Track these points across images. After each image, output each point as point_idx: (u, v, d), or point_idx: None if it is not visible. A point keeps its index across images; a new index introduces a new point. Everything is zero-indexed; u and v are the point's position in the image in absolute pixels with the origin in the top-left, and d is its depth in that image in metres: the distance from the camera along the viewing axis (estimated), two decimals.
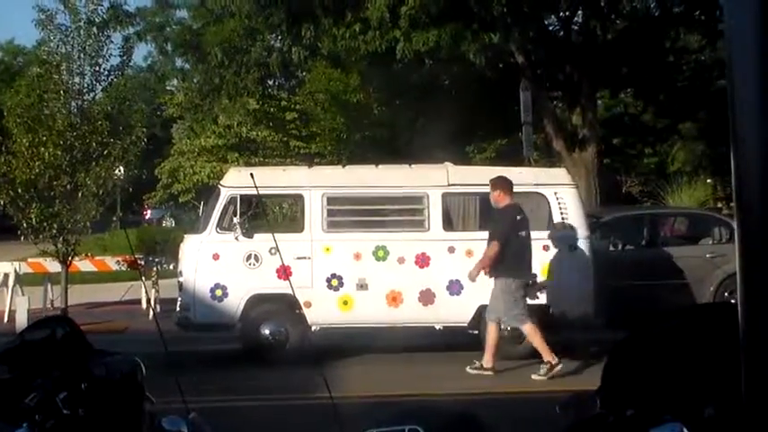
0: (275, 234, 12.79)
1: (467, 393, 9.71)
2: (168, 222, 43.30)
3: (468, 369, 11.22)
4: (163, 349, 5.08)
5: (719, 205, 25.52)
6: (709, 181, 28.04)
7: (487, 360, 11.25)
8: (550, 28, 25.08)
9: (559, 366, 11.00)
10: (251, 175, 9.97)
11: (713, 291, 14.30)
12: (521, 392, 10.25)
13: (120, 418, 4.65)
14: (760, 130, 1.24)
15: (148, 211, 49.66)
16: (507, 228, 11.30)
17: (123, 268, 17.18)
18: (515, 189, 11.86)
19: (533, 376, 11.03)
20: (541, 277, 12.17)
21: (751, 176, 1.25)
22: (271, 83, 26.15)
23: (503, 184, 11.52)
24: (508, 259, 11.25)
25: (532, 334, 11.24)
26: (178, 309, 12.47)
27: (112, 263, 16.99)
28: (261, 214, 19.09)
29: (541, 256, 12.18)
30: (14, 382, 4.31)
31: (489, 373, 11.19)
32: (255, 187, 7.85)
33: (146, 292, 15.67)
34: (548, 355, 11.09)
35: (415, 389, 10.31)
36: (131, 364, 4.79)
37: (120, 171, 16.50)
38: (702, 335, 2.84)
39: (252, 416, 9.25)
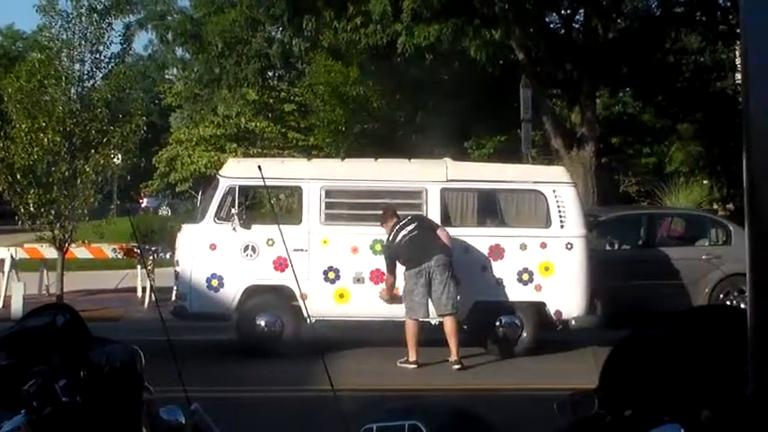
0: (275, 225, 12.77)
1: (467, 389, 9.75)
2: (165, 211, 43.29)
3: (398, 363, 11.45)
4: (160, 338, 5.10)
5: (715, 206, 25.53)
6: (705, 182, 28.05)
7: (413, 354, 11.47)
8: (551, 26, 25.08)
9: (413, 367, 11.25)
10: (258, 167, 10.13)
11: (708, 292, 14.35)
12: (519, 389, 10.28)
13: (118, 407, 4.66)
14: None
15: (145, 200, 49.64)
16: (386, 253, 11.76)
17: (120, 256, 17.19)
18: (513, 186, 12.06)
19: (398, 362, 11.35)
20: (539, 275, 12.21)
21: (765, 177, 1.25)
22: (271, 74, 26.18)
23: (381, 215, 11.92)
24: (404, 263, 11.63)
25: (407, 328, 11.48)
26: (174, 298, 12.48)
27: (109, 250, 16.98)
28: (258, 205, 19.12)
29: (539, 254, 12.23)
30: (13, 368, 4.32)
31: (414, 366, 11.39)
32: (262, 178, 7.88)
33: (149, 279, 15.67)
34: (412, 353, 11.35)
35: (410, 383, 10.35)
36: (131, 352, 4.80)
37: (118, 159, 16.48)
38: (702, 338, 2.86)
39: (252, 407, 9.27)
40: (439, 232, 11.70)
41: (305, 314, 12.00)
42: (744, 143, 1.27)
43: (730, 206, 25.40)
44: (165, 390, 4.65)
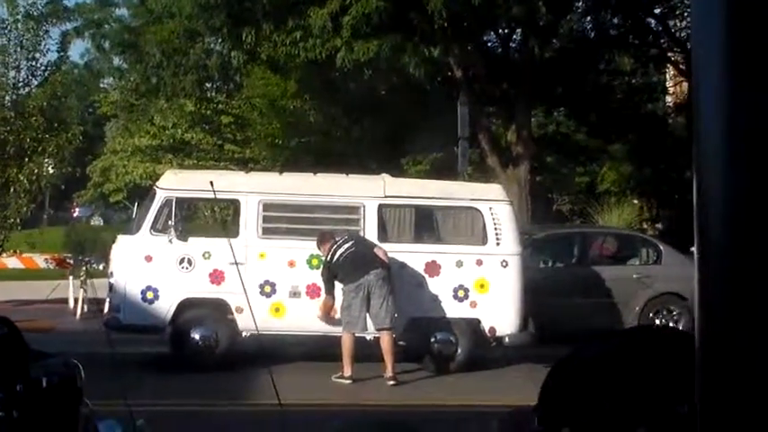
0: (212, 238, 12.73)
1: (402, 404, 9.79)
2: (97, 221, 42.73)
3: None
4: (94, 350, 5.06)
5: (645, 226, 26.00)
6: (635, 202, 28.56)
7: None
8: (489, 44, 25.39)
9: (348, 382, 11.34)
10: (210, 182, 10.13)
11: (639, 311, 14.62)
12: (455, 405, 10.35)
13: (55, 422, 4.62)
14: (724, 151, 1.30)
15: (77, 209, 48.92)
16: (325, 274, 11.81)
17: (51, 266, 16.95)
18: (450, 203, 12.27)
19: (333, 377, 11.41)
20: (474, 292, 12.33)
21: (713, 197, 1.31)
22: (208, 85, 26.02)
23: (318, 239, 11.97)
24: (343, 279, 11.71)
25: (343, 342, 11.53)
26: (107, 309, 12.35)
27: (41, 260, 16.74)
28: (192, 217, 18.99)
29: (475, 271, 12.35)
30: None
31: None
32: (213, 191, 7.87)
33: (82, 290, 15.48)
34: (347, 368, 11.41)
35: (345, 398, 10.37)
36: (71, 366, 4.76)
37: (51, 168, 16.27)
38: (639, 357, 2.94)
39: (197, 421, 9.21)
40: (375, 250, 11.77)
41: (240, 327, 12.00)
42: (693, 163, 1.33)
43: (659, 226, 25.91)
44: (105, 404, 4.63)
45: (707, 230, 1.30)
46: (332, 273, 11.73)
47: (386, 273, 11.61)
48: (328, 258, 11.71)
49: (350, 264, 11.58)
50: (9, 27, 16.04)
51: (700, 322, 1.33)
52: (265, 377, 10.15)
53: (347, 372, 11.46)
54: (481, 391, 11.14)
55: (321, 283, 11.97)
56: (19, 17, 16.07)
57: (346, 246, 11.64)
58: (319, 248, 11.88)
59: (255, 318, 11.81)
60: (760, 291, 1.26)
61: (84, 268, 16.24)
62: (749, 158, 1.26)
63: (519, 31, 24.27)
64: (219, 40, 22.73)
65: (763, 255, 1.25)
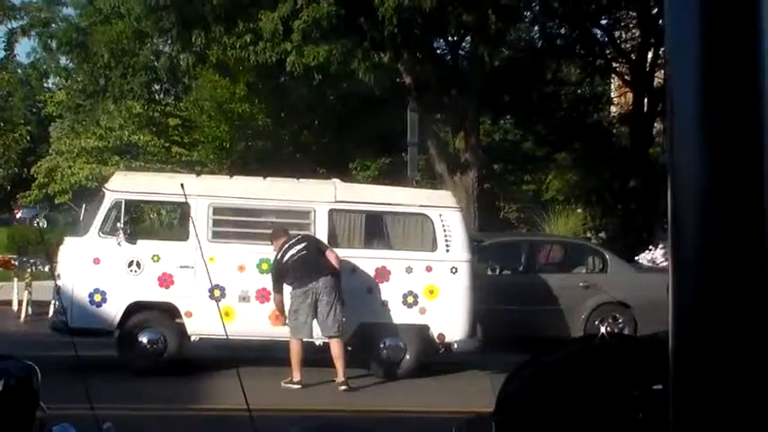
0: (161, 240, 12.65)
1: (354, 410, 9.80)
2: (41, 222, 42.11)
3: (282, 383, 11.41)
4: (41, 353, 5.04)
5: (589, 235, 26.31)
6: (579, 211, 28.89)
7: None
8: (439, 51, 25.54)
9: (297, 387, 11.35)
10: (181, 185, 10.04)
11: (584, 319, 14.80)
12: (406, 411, 10.40)
13: (9, 426, 4.58)
14: (698, 151, 1.34)
15: (21, 210, 48.10)
16: (274, 272, 11.79)
17: None
18: (401, 209, 12.29)
19: (283, 382, 11.38)
20: (424, 298, 12.40)
21: (688, 207, 1.34)
22: (157, 87, 25.83)
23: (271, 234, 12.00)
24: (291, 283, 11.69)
25: (291, 347, 11.57)
26: (53, 312, 12.22)
27: None
28: (138, 220, 18.84)
29: (424, 278, 12.42)
30: None
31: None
32: (184, 195, 7.84)
33: (26, 292, 15.29)
34: (296, 373, 11.44)
35: (296, 403, 10.37)
36: (27, 369, 4.72)
37: None
38: (596, 364, 3.00)
39: (151, 426, 9.14)
40: (328, 253, 11.76)
41: (189, 332, 11.95)
42: (669, 173, 1.37)
43: (603, 235, 26.22)
44: (60, 407, 4.60)
45: (682, 230, 1.33)
46: (281, 273, 11.72)
47: (335, 279, 11.63)
48: (278, 257, 11.69)
49: (299, 268, 11.57)
50: None
51: (674, 325, 1.36)
52: (212, 381, 10.14)
53: (296, 377, 11.46)
54: (433, 397, 11.21)
55: (270, 284, 11.96)
56: None
57: (298, 247, 11.63)
58: (272, 243, 11.84)
59: (205, 322, 11.85)
60: (734, 291, 1.30)
61: (29, 270, 16.04)
62: (724, 158, 1.30)
63: (468, 38, 24.47)
64: (169, 42, 22.62)
65: (738, 254, 1.29)
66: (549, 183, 33.07)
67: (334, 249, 12.01)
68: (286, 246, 11.68)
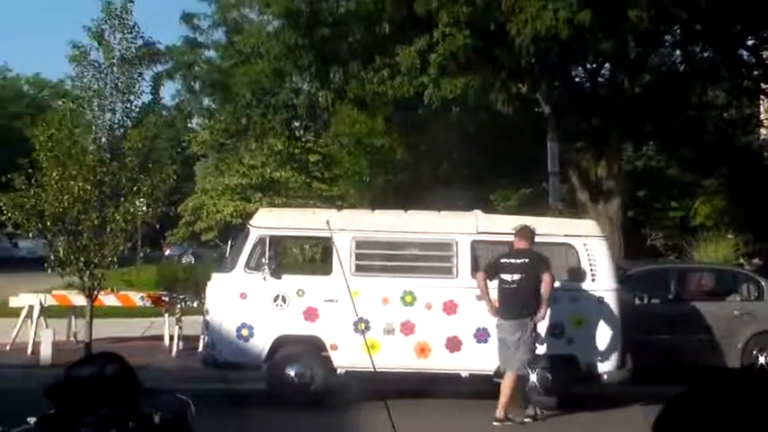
0: (305, 275, 12.77)
1: None
2: (189, 259, 43.38)
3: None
4: (190, 386, 5.05)
5: (741, 261, 25.37)
6: (729, 236, 27.92)
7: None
8: (577, 79, 25.20)
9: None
10: (327, 221, 10.05)
11: (741, 348, 14.19)
12: None
13: None
14: None
15: (169, 248, 49.71)
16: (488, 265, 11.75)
17: (147, 304, 17.20)
18: (543, 239, 12.06)
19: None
20: (570, 328, 12.13)
21: None
22: (297, 124, 26.28)
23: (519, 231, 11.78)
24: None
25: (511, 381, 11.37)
26: (203, 347, 12.45)
27: (137, 298, 17.00)
28: (282, 255, 19.11)
29: (570, 308, 12.16)
30: (62, 417, 4.32)
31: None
32: (330, 230, 7.86)
33: (177, 327, 15.69)
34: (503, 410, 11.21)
35: None
36: (182, 403, 4.78)
37: (145, 207, 16.52)
38: (761, 397, 2.81)
39: None
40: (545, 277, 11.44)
41: (335, 365, 11.99)
42: None
43: (757, 261, 25.26)
44: None
45: None
46: (491, 273, 11.62)
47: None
48: (499, 258, 11.60)
49: (512, 298, 11.44)
50: (105, 71, 16.38)
51: None
52: (359, 414, 10.12)
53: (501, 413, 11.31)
54: (582, 429, 10.94)
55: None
56: (114, 61, 16.42)
57: (518, 276, 11.45)
58: (521, 242, 11.66)
59: (350, 355, 11.89)
60: None
61: (178, 306, 16.45)
62: None
63: (607, 65, 24.06)
64: (307, 80, 22.99)
65: None
66: (697, 209, 32.14)
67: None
68: (513, 254, 11.61)
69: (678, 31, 24.19)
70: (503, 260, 11.63)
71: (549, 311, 11.63)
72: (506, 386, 11.28)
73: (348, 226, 12.53)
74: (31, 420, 4.24)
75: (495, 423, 11.18)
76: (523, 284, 11.41)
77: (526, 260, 11.52)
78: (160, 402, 4.65)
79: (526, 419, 11.38)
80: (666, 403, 2.93)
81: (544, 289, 11.30)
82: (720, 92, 27.88)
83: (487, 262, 11.88)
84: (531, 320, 11.31)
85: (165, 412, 4.55)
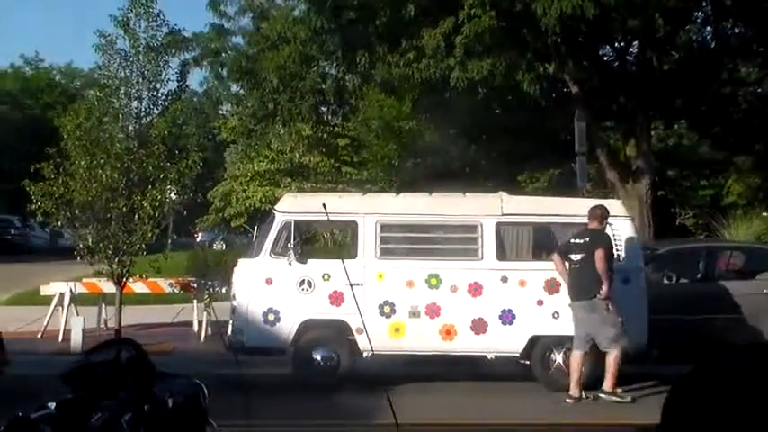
0: (330, 259, 12.80)
1: (530, 424, 9.65)
2: (220, 245, 43.62)
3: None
4: (216, 371, 5.09)
5: None
6: (765, 214, 27.61)
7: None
8: (605, 58, 25.01)
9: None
10: (323, 204, 10.08)
11: None
12: (581, 424, 10.20)
13: None
14: None
15: (199, 234, 50.04)
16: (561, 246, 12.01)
17: (176, 290, 17.31)
18: (569, 220, 12.19)
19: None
20: None
21: None
22: (324, 109, 26.34)
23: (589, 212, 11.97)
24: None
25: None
26: (230, 332, 12.53)
27: (165, 285, 17.12)
28: (311, 240, 19.18)
29: None
30: (79, 402, 4.38)
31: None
32: (326, 213, 7.94)
33: (206, 313, 15.81)
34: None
35: (472, 417, 10.29)
36: (195, 387, 4.84)
37: (174, 194, 16.60)
38: None
39: None
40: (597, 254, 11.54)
41: (361, 348, 12.04)
42: None
43: None
44: (229, 424, 4.66)
45: None
46: (563, 254, 11.89)
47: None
48: (569, 242, 11.85)
49: (575, 276, 11.70)
50: (131, 59, 16.43)
51: None
52: (381, 398, 10.18)
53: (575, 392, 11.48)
54: (608, 409, 10.94)
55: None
56: (140, 49, 16.46)
57: (580, 256, 11.64)
58: (590, 222, 11.83)
59: (376, 338, 11.95)
60: None
61: (207, 292, 16.54)
62: None
63: (635, 43, 23.87)
64: (334, 64, 23.03)
65: None
66: (729, 187, 31.83)
67: (502, 263, 11.93)
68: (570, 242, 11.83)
69: (708, 6, 23.93)
70: (571, 241, 11.83)
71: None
72: (575, 364, 11.55)
73: (372, 209, 12.55)
74: (51, 405, 4.31)
75: (567, 400, 11.35)
76: (585, 264, 11.52)
77: (587, 239, 11.64)
78: (174, 386, 4.71)
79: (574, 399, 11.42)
80: (674, 383, 2.91)
81: (598, 265, 11.38)
82: (752, 67, 27.54)
83: (561, 243, 12.10)
84: (599, 299, 11.38)
85: (178, 396, 4.62)
